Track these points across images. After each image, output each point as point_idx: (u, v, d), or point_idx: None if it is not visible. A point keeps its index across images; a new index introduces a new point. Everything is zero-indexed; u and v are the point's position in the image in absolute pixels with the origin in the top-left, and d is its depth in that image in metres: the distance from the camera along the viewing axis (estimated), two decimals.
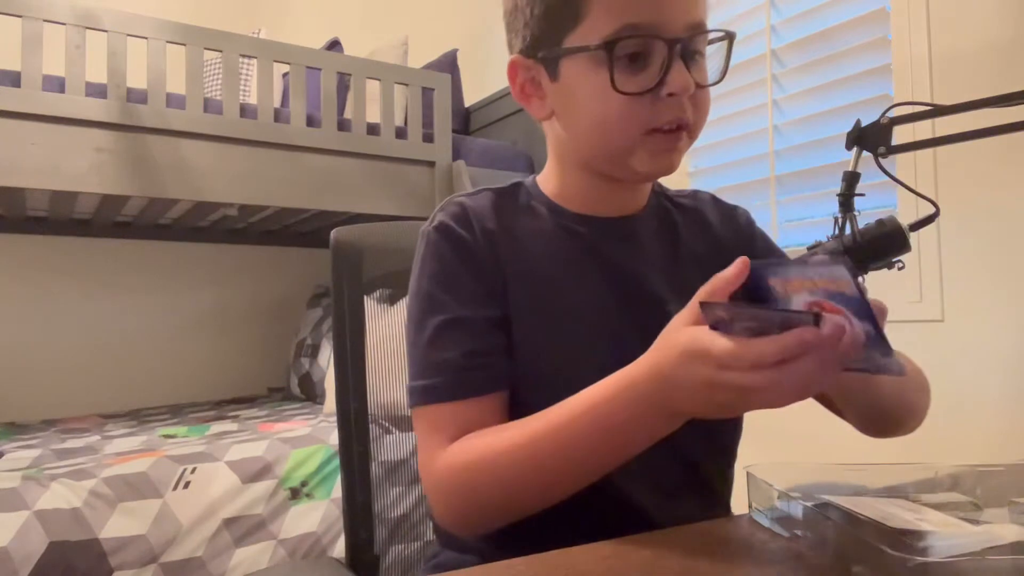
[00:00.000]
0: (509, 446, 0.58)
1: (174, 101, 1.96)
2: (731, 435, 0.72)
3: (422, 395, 0.64)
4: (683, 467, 0.67)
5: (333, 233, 0.87)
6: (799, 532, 0.50)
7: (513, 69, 0.69)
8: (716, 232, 0.77)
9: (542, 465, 0.57)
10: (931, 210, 0.87)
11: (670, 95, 0.62)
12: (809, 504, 0.49)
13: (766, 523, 0.53)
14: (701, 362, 0.48)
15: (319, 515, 1.75)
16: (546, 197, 0.72)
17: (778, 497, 0.52)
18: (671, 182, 0.79)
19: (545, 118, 0.70)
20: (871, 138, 0.91)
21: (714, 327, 0.49)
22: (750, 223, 0.80)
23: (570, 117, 0.67)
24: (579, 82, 0.64)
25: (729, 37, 0.66)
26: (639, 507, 0.63)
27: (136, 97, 1.90)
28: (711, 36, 0.66)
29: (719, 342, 0.47)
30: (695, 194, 0.81)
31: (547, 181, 0.74)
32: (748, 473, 0.56)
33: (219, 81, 2.30)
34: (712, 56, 0.67)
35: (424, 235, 0.69)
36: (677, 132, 0.64)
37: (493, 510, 0.60)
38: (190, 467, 1.66)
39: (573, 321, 0.66)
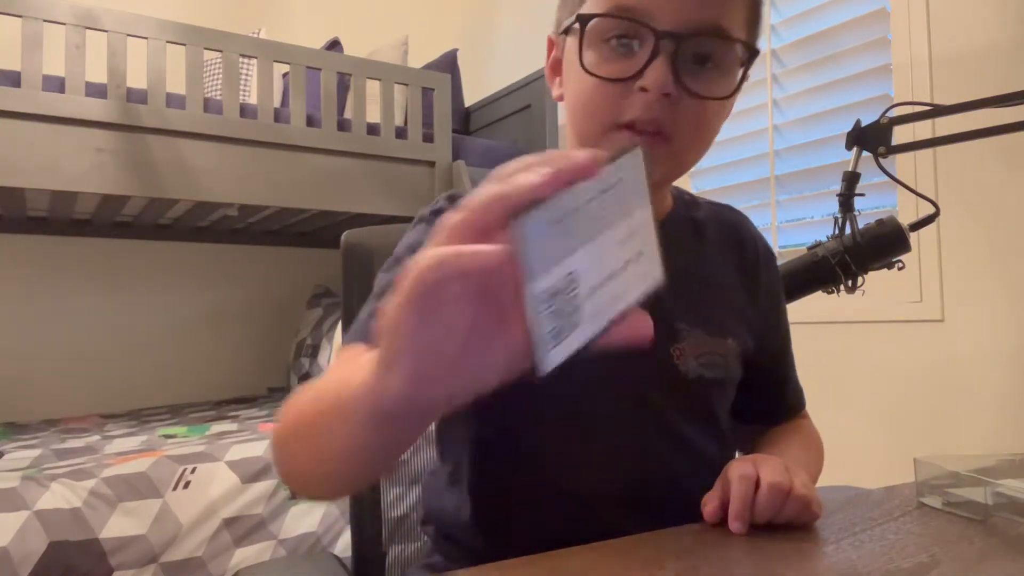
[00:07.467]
0: (300, 410, 0.46)
1: (174, 101, 1.96)
2: (717, 452, 0.66)
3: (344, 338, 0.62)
4: (667, 485, 0.63)
5: (344, 236, 0.87)
6: (975, 516, 0.52)
7: (548, 48, 0.69)
8: (748, 256, 0.73)
9: (313, 440, 0.44)
10: (931, 210, 0.87)
11: (642, 89, 0.56)
12: (999, 489, 0.51)
13: (938, 506, 0.56)
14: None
15: (319, 515, 1.75)
16: None
17: (963, 483, 0.53)
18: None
19: (559, 98, 0.67)
20: (871, 138, 0.91)
21: None
22: (777, 268, 0.78)
23: (565, 96, 0.65)
24: (568, 59, 0.63)
25: (749, 50, 0.59)
26: (624, 530, 0.55)
27: (136, 97, 1.90)
28: (727, 46, 0.57)
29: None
30: (731, 209, 0.77)
31: None
32: (917, 461, 0.58)
33: (219, 81, 2.29)
34: (730, 70, 0.59)
35: (418, 215, 0.69)
36: (651, 137, 0.57)
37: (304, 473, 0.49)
38: (190, 467, 1.66)
39: None
